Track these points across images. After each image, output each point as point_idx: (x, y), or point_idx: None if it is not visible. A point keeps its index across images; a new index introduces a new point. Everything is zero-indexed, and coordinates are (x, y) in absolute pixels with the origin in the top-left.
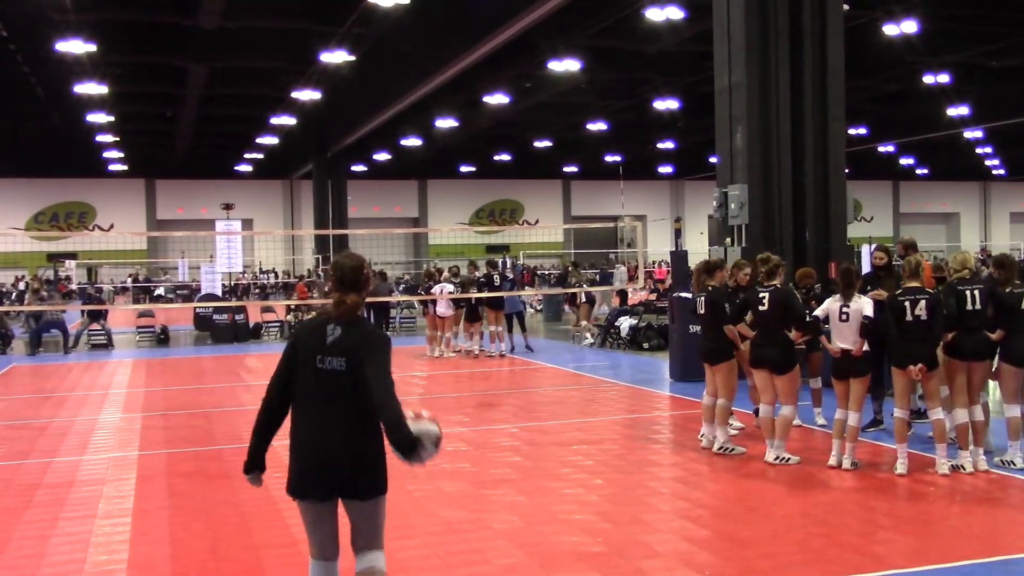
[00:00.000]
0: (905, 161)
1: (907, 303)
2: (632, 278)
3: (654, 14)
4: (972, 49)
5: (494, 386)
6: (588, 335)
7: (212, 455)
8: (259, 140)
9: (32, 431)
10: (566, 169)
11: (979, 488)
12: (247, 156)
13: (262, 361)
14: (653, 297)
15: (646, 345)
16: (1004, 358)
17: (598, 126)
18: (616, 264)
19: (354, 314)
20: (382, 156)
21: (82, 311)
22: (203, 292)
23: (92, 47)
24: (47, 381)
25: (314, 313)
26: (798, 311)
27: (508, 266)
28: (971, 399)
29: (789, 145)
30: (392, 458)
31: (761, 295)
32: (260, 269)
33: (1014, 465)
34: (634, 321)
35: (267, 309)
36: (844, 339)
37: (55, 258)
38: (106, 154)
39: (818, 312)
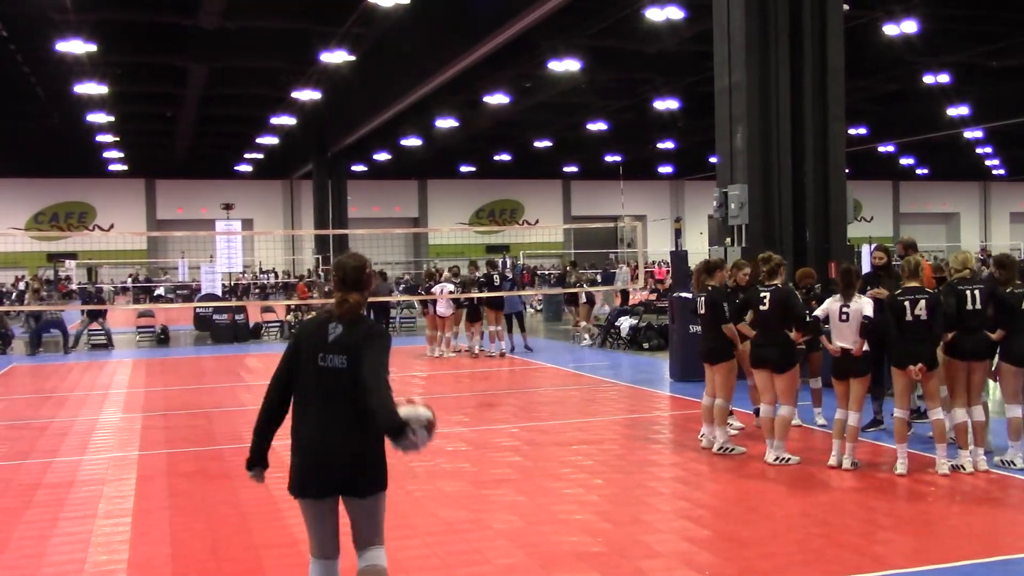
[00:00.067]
0: (905, 161)
1: (907, 303)
2: (634, 278)
3: (654, 14)
4: (972, 49)
5: (494, 386)
6: (586, 336)
7: (212, 455)
8: (259, 140)
9: (32, 431)
10: (566, 169)
11: (979, 488)
12: (247, 156)
13: (262, 361)
14: (653, 297)
15: (646, 345)
16: (1004, 358)
17: (598, 126)
18: (619, 264)
19: (356, 313)
20: (382, 156)
21: (82, 311)
22: (203, 292)
23: (92, 47)
24: (47, 381)
25: (314, 313)
26: (798, 311)
27: (508, 266)
28: (971, 399)
29: (789, 145)
30: (392, 457)
31: (762, 294)
32: (260, 269)
33: (1014, 465)
34: (634, 321)
35: (267, 309)
36: (844, 339)
37: (55, 258)
38: (106, 154)
39: (818, 312)
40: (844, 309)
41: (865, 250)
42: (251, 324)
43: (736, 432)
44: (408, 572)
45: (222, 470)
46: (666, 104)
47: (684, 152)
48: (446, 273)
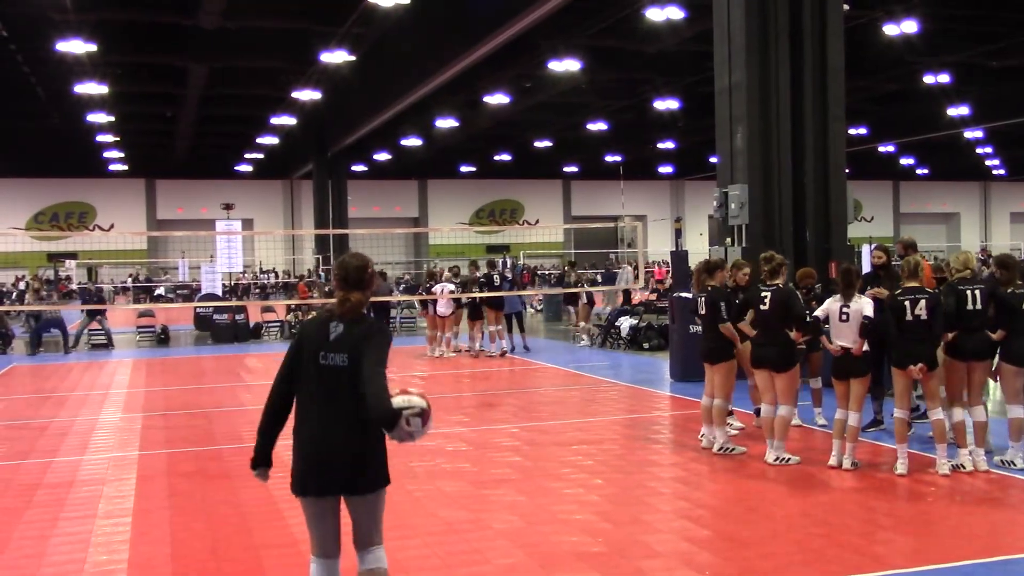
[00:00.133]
0: (905, 161)
1: (907, 303)
2: (636, 278)
3: (654, 14)
4: (972, 49)
5: (494, 386)
6: (585, 336)
7: (212, 455)
8: (259, 140)
9: (32, 431)
10: (566, 169)
11: (979, 488)
12: (247, 156)
13: (262, 361)
14: (653, 297)
15: (646, 345)
16: (1005, 358)
17: (598, 126)
18: (622, 264)
19: (357, 312)
20: (382, 156)
21: (82, 310)
22: (203, 292)
23: (92, 47)
24: (47, 381)
25: (315, 313)
26: (798, 311)
27: (508, 266)
28: (972, 399)
29: (789, 145)
30: (392, 457)
31: (763, 294)
32: (260, 269)
33: (1014, 465)
34: (634, 321)
35: (267, 309)
36: (844, 339)
37: (55, 258)
38: (106, 154)
39: (818, 312)
40: (844, 309)
41: (865, 250)
42: (251, 324)
43: (736, 432)
44: (408, 572)
45: (222, 470)
46: (666, 104)
47: (684, 152)
48: (446, 273)
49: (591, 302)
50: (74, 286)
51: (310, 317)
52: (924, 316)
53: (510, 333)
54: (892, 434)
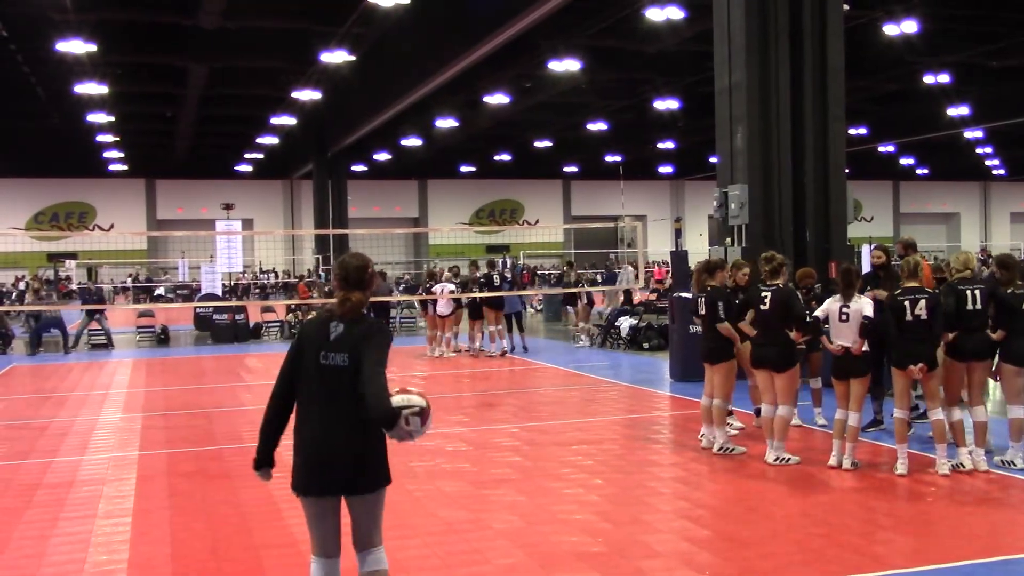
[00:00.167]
0: (905, 161)
1: (907, 303)
2: (637, 278)
3: (654, 14)
4: (972, 49)
5: (494, 386)
6: (584, 336)
7: (212, 455)
8: (259, 140)
9: (32, 431)
10: (566, 169)
11: (979, 488)
12: (247, 156)
13: (262, 361)
14: (653, 297)
15: (646, 345)
16: (1005, 358)
17: (598, 126)
18: (624, 264)
19: (358, 312)
20: (382, 156)
21: (83, 310)
22: (203, 292)
23: (92, 47)
24: (47, 381)
25: (315, 313)
26: (798, 312)
27: (507, 266)
28: (973, 399)
29: (789, 145)
30: (392, 457)
31: (763, 294)
32: (260, 269)
33: (1014, 465)
34: (634, 321)
35: (267, 309)
36: (844, 339)
37: (55, 258)
38: (106, 154)
39: (818, 312)
40: (844, 309)
41: (865, 250)
42: (251, 324)
43: (736, 432)
44: (408, 572)
45: (222, 470)
46: (666, 104)
47: (684, 152)
48: (446, 273)
49: (591, 302)
50: (74, 286)
51: (310, 317)
52: (924, 316)
53: (509, 333)
54: (892, 434)
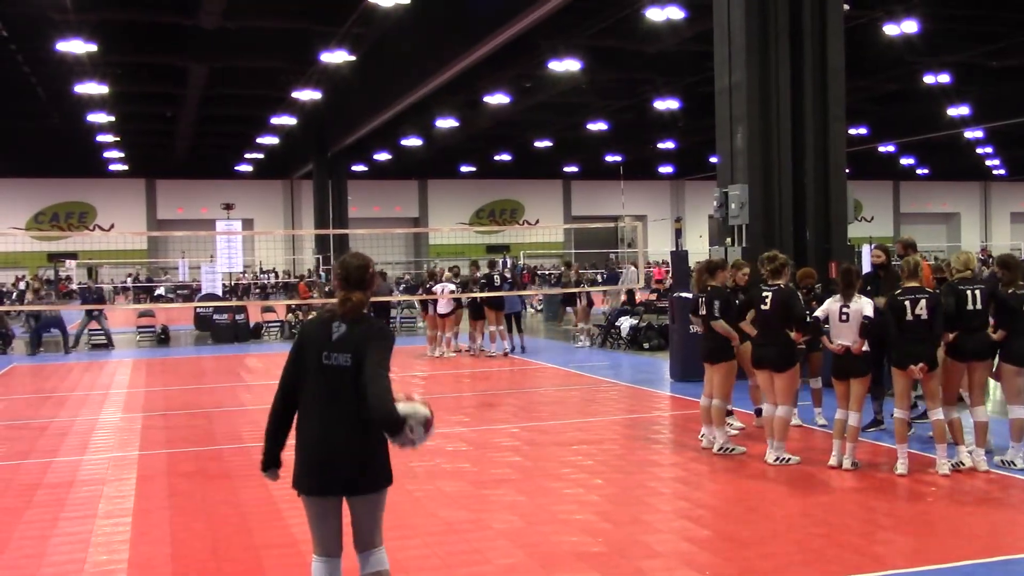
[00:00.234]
0: (905, 161)
1: (907, 303)
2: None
3: (654, 14)
4: (972, 49)
5: (494, 386)
6: (583, 336)
7: (212, 455)
8: (259, 140)
9: (32, 431)
10: (566, 169)
11: (979, 488)
12: (247, 156)
13: (262, 361)
14: (653, 297)
15: (646, 345)
16: (1005, 359)
17: (598, 126)
18: (626, 264)
19: (359, 312)
20: (382, 156)
21: (84, 310)
22: (203, 292)
23: (92, 47)
24: (47, 381)
25: (316, 313)
26: (798, 312)
27: (507, 266)
28: (974, 399)
29: (789, 145)
30: (393, 457)
31: (764, 294)
32: (260, 269)
33: (1014, 465)
34: (634, 321)
35: (267, 309)
36: (844, 340)
37: (55, 258)
38: (106, 154)
39: (818, 313)
40: (844, 309)
41: (865, 250)
42: (251, 324)
43: (736, 432)
44: (408, 572)
45: (222, 470)
46: (666, 104)
47: (684, 152)
48: (447, 273)
49: (590, 302)
50: (74, 286)
51: (311, 317)
52: (924, 316)
53: (510, 333)
54: (892, 434)
